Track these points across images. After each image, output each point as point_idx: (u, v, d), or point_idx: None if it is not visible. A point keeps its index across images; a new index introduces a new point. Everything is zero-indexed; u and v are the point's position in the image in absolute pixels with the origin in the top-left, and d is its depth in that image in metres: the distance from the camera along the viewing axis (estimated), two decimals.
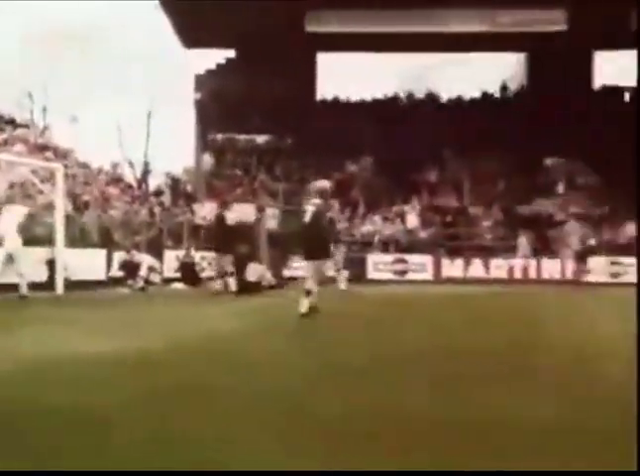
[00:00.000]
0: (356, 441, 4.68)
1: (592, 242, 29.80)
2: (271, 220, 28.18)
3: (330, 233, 15.67)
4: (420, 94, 38.96)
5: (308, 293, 13.44)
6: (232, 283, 19.83)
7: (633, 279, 23.59)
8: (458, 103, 38.31)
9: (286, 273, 25.89)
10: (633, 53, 36.50)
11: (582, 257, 28.39)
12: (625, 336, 10.47)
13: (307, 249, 13.97)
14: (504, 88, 38.99)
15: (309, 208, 13.87)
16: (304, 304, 13.36)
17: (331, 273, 14.69)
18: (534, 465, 4.26)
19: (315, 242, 13.85)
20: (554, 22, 33.63)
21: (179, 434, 4.76)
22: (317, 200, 13.86)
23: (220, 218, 20.20)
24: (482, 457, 4.30)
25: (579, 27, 33.16)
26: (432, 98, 38.65)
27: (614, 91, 38.10)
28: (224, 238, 19.88)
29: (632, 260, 26.47)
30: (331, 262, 15.80)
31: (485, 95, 38.71)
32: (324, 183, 14.60)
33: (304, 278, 13.95)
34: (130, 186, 32.14)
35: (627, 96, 38.14)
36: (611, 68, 38.62)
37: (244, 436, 4.72)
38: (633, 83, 37.35)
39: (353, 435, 4.83)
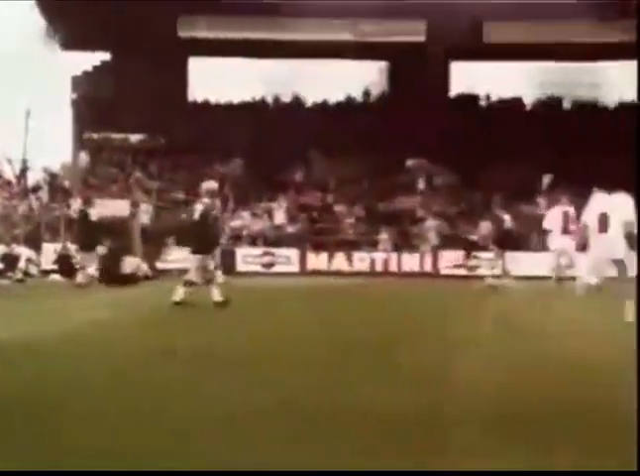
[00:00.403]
0: (211, 430, 5.22)
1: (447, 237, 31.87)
2: (145, 216, 29.12)
3: (216, 230, 16.63)
4: (287, 98, 40.13)
5: (187, 283, 14.56)
6: (89, 274, 20.63)
7: (485, 272, 24.83)
8: (323, 107, 39.68)
9: (160, 265, 26.79)
10: (486, 63, 38.99)
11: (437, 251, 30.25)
12: (477, 326, 11.85)
13: (195, 244, 14.97)
14: (367, 94, 40.34)
15: (198, 207, 14.88)
16: (179, 294, 14.45)
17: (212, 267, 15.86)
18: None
19: (203, 238, 14.87)
20: (414, 33, 35.18)
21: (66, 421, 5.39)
22: (206, 200, 14.88)
23: (83, 215, 20.97)
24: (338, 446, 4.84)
25: (436, 38, 34.94)
26: (298, 102, 39.92)
27: (469, 99, 40.06)
28: (87, 234, 20.69)
29: (488, 254, 28.06)
30: (213, 257, 16.57)
31: (349, 99, 40.09)
32: (212, 184, 15.56)
33: (177, 270, 15.16)
34: (9, 183, 32.85)
35: (481, 103, 40.23)
36: (466, 77, 40.49)
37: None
38: (486, 91, 39.80)
39: (230, 422, 5.39)
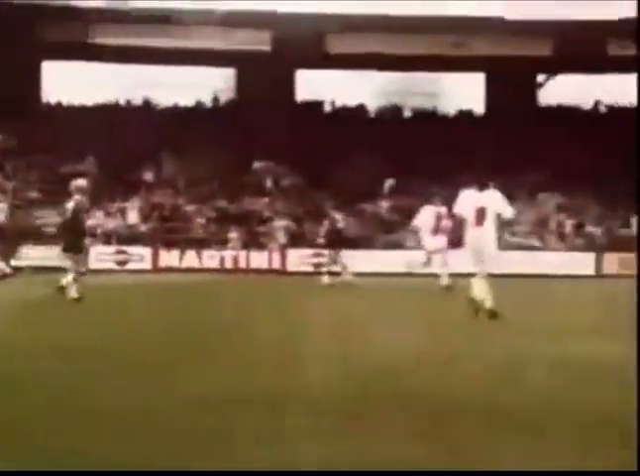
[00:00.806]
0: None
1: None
2: (1, 214, 29.51)
3: (85, 227, 16.64)
4: (138, 101, 40.90)
5: (74, 278, 15.08)
6: None
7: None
8: (174, 111, 40.65)
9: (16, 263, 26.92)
10: (332, 72, 40.76)
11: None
12: (309, 317, 13.30)
13: (66, 242, 15.32)
14: (216, 99, 41.52)
15: (69, 205, 15.22)
16: (73, 290, 15.09)
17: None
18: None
19: (74, 235, 15.25)
20: (260, 42, 36.35)
21: None
22: (77, 197, 15.24)
23: None
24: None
25: (281, 48, 36.07)
26: (149, 105, 40.80)
27: (314, 105, 41.69)
28: None
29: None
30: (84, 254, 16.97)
31: (199, 104, 41.24)
32: (82, 182, 15.85)
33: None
34: None
35: (326, 109, 41.93)
36: (312, 85, 42.19)
37: None
38: (331, 99, 41.66)
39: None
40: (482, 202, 13.75)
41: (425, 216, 21.87)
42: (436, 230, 21.12)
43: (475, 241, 13.82)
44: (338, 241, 24.75)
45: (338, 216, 25.64)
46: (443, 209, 20.96)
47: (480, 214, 13.66)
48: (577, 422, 6.04)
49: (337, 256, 24.59)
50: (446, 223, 19.98)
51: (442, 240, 20.81)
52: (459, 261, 16.93)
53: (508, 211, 14.13)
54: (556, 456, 5.11)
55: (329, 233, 25.23)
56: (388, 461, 4.92)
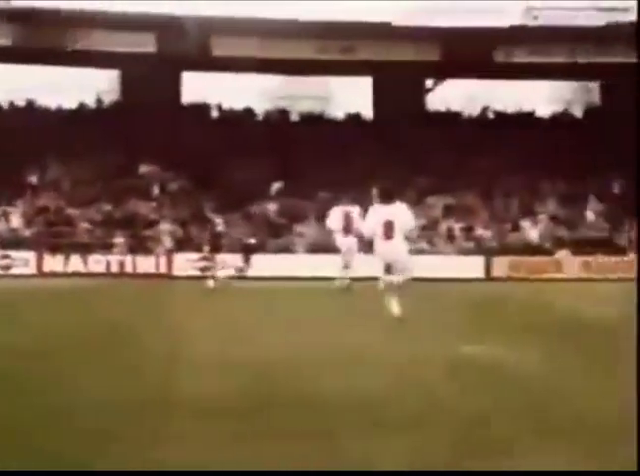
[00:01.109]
0: None
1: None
2: None
3: None
4: (21, 103, 40.18)
5: None
6: None
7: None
8: (58, 113, 39.94)
9: None
10: (219, 75, 40.56)
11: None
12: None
13: None
14: (99, 101, 41.18)
15: None
16: None
17: None
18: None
19: None
20: (144, 44, 35.37)
21: None
22: None
23: None
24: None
25: (166, 50, 35.31)
26: (32, 107, 40.02)
27: (201, 108, 41.57)
28: None
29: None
30: None
31: (83, 106, 40.63)
32: None
33: None
34: None
35: (213, 112, 41.74)
36: (199, 87, 42.19)
37: None
38: (218, 101, 41.39)
39: None
40: (390, 216, 14.15)
41: (335, 217, 22.23)
42: (347, 230, 21.52)
43: (386, 254, 14.34)
44: (216, 245, 24.75)
45: (218, 220, 25.59)
46: (352, 209, 21.47)
47: (389, 228, 14.08)
48: (454, 422, 6.21)
49: (214, 260, 24.40)
50: (355, 225, 20.50)
51: (353, 241, 21.28)
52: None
53: (412, 225, 14.79)
54: (432, 453, 5.30)
55: (208, 237, 25.25)
56: (273, 460, 5.07)
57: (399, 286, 14.19)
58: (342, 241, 22.05)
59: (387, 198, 14.43)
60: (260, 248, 31.55)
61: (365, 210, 15.98)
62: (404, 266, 14.42)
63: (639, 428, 5.61)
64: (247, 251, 29.44)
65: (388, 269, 14.58)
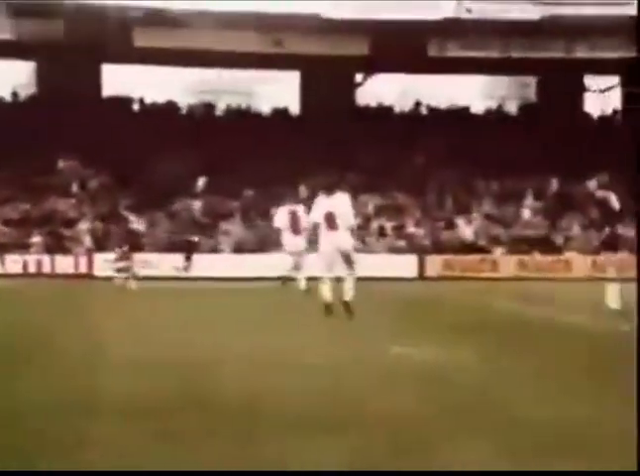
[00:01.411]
0: None
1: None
2: None
3: None
4: None
5: None
6: None
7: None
8: None
9: None
10: (142, 67, 39.41)
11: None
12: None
13: None
14: (15, 94, 39.68)
15: None
16: None
17: None
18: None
19: None
20: (56, 33, 33.60)
21: None
22: None
23: None
24: None
25: (80, 39, 33.66)
26: None
27: (123, 101, 40.37)
28: None
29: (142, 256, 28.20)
30: None
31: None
32: None
33: None
34: None
35: (135, 106, 40.59)
36: (120, 81, 40.89)
37: None
38: (140, 95, 40.16)
39: None
40: (331, 207, 14.38)
41: (282, 217, 22.13)
42: (295, 230, 21.35)
43: (330, 245, 14.41)
44: (136, 243, 24.16)
45: (132, 217, 24.80)
46: (297, 208, 21.37)
47: (331, 219, 14.30)
48: (383, 423, 6.07)
49: (127, 259, 24.29)
50: (302, 224, 20.57)
51: (301, 241, 21.02)
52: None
53: (350, 218, 14.77)
54: (361, 453, 5.19)
55: (121, 235, 24.54)
56: (189, 461, 4.98)
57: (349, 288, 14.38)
58: (290, 241, 21.71)
59: (328, 190, 14.63)
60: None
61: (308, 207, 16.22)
62: (350, 259, 14.50)
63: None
64: (188, 250, 28.73)
65: (330, 267, 14.52)
